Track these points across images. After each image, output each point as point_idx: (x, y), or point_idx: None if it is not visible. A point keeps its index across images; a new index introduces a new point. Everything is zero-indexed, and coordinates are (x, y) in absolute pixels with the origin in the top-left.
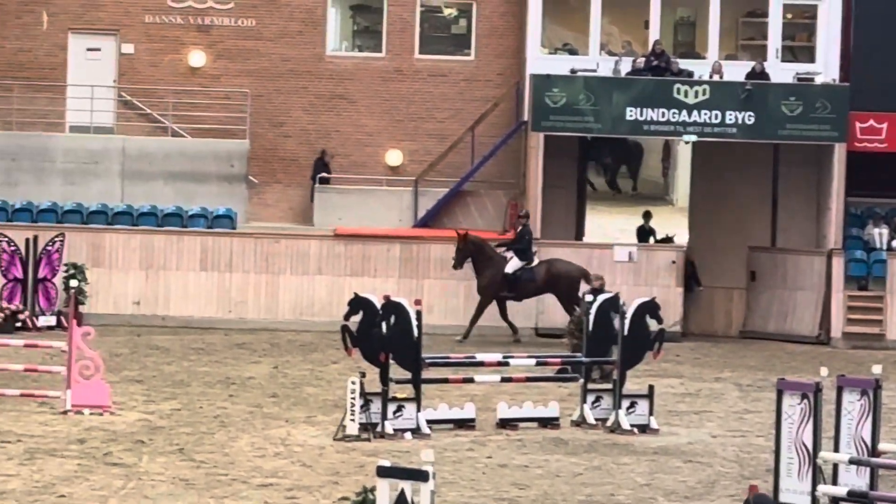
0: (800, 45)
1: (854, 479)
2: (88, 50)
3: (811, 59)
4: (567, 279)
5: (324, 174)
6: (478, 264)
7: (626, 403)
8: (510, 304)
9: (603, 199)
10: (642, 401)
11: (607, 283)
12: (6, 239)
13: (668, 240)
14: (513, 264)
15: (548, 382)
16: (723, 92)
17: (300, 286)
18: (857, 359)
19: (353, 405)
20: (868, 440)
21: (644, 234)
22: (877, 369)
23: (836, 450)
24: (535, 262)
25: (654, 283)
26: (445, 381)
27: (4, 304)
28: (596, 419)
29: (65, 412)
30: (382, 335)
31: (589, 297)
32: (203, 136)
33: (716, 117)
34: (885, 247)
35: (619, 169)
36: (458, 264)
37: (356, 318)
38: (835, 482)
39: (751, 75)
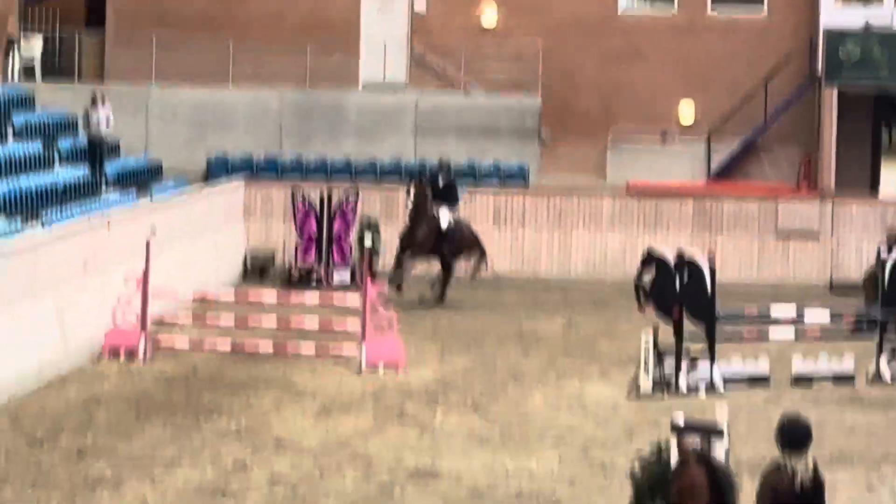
0: None
1: None
2: (381, 8)
3: None
4: (473, 242)
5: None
6: (417, 216)
7: None
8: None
9: None
10: None
11: None
12: (301, 195)
13: None
14: (444, 219)
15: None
16: None
17: (592, 242)
18: None
19: (646, 361)
20: None
21: None
22: None
23: None
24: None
25: None
26: (740, 338)
27: (300, 261)
28: (893, 375)
29: (359, 369)
30: (676, 291)
31: (885, 253)
32: (495, 91)
33: None
34: None
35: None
36: (413, 211)
37: (649, 274)
38: None
39: None
